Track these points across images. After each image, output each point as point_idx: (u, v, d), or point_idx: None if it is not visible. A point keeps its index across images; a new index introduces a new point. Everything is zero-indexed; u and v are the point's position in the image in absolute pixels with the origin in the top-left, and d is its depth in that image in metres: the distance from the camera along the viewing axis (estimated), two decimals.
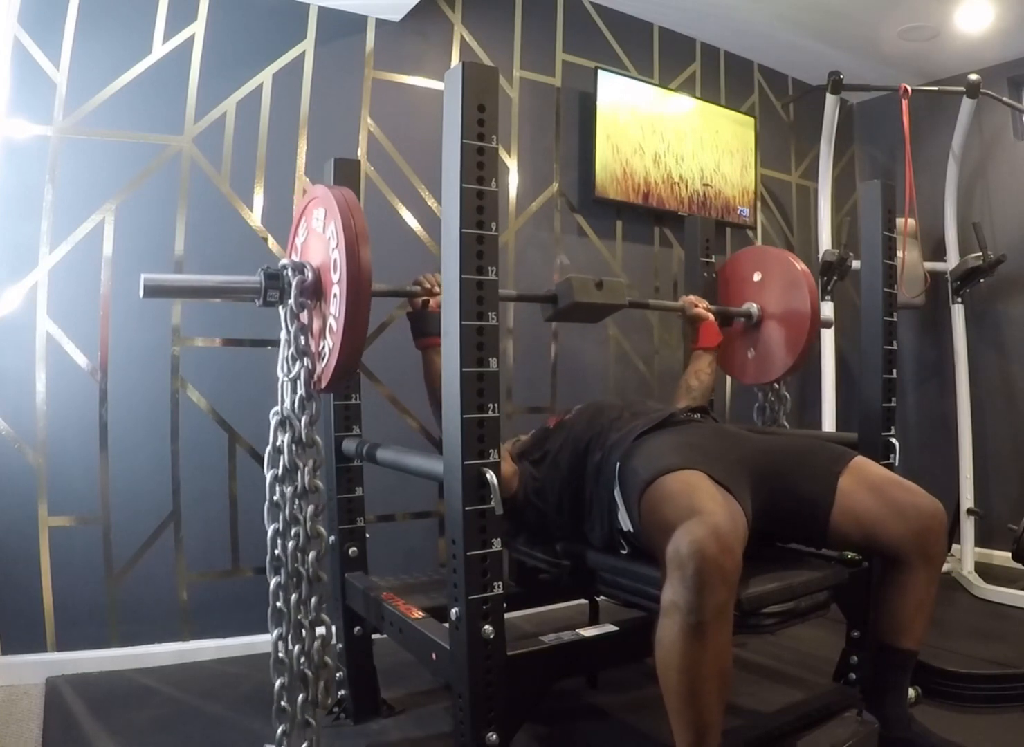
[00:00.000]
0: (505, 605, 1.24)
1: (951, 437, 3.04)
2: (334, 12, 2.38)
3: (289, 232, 1.62)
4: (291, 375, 1.43)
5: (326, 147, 2.30)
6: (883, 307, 1.79)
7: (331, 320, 1.37)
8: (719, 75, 3.25)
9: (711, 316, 2.09)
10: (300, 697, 1.41)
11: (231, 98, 2.25)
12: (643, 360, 2.97)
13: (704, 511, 1.22)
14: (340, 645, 1.76)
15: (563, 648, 1.34)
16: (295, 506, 1.42)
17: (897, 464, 1.75)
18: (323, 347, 1.41)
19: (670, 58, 3.08)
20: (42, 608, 2.00)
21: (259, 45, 2.30)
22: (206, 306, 2.19)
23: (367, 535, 1.81)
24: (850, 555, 1.63)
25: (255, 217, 2.28)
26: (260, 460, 2.06)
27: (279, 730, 1.41)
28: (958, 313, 3.04)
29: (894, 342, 1.80)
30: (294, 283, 1.41)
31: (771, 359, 2.16)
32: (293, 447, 1.42)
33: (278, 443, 1.43)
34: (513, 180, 2.70)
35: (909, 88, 2.82)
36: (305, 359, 1.43)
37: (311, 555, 1.43)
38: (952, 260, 3.08)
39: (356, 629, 1.76)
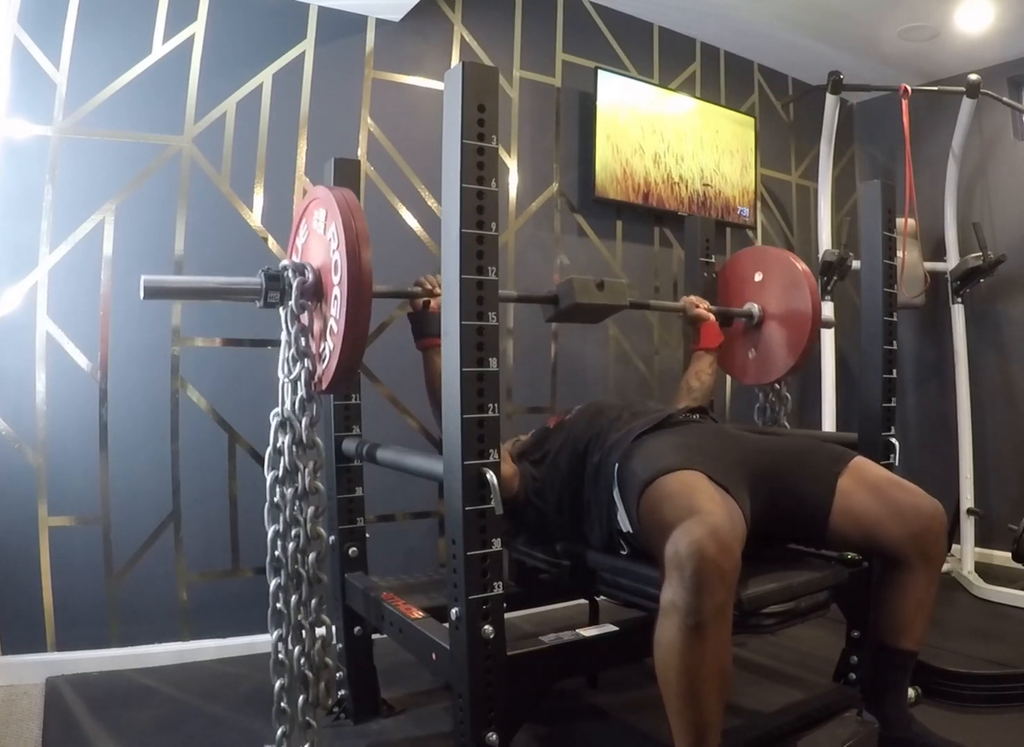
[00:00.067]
0: (505, 605, 1.24)
1: (951, 437, 3.03)
2: (334, 12, 2.38)
3: (289, 232, 1.62)
4: (292, 376, 1.43)
5: (326, 147, 2.30)
6: (883, 307, 1.79)
7: (332, 322, 1.37)
8: (719, 75, 3.25)
9: (712, 317, 2.09)
10: (300, 698, 1.41)
11: (231, 98, 2.25)
12: (643, 360, 2.97)
13: (703, 511, 1.22)
14: (340, 645, 1.76)
15: (563, 648, 1.34)
16: (295, 507, 1.42)
17: (897, 464, 1.75)
18: (324, 348, 1.41)
19: (670, 58, 3.08)
20: (42, 608, 2.00)
21: (259, 45, 2.30)
22: (206, 306, 2.19)
23: (367, 535, 1.81)
24: (850, 555, 1.63)
25: (255, 217, 2.28)
26: (260, 460, 2.06)
27: (279, 731, 1.41)
28: (958, 313, 3.04)
29: (894, 342, 1.80)
30: (295, 284, 1.40)
31: (772, 359, 2.16)
32: (294, 448, 1.42)
33: (279, 444, 1.42)
34: (513, 180, 2.70)
35: (909, 88, 2.82)
36: (306, 360, 1.43)
37: (311, 556, 1.43)
38: (952, 260, 3.08)
39: (356, 629, 1.76)
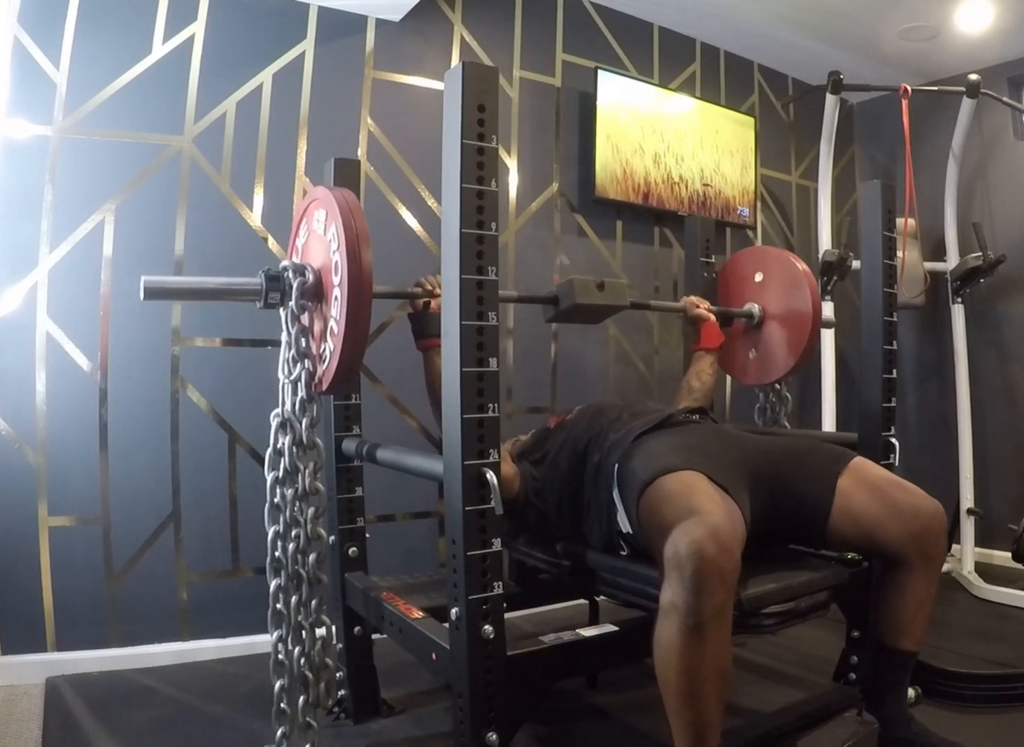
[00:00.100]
0: (505, 605, 1.24)
1: (951, 437, 3.03)
2: (334, 12, 2.38)
3: (289, 232, 1.62)
4: (292, 377, 1.43)
5: (326, 147, 2.30)
6: (883, 307, 1.79)
7: (332, 322, 1.37)
8: (719, 75, 3.25)
9: (713, 317, 2.09)
10: (301, 699, 1.41)
11: (231, 98, 2.25)
12: (643, 360, 2.97)
13: (702, 512, 1.22)
14: (340, 645, 1.76)
15: (563, 648, 1.34)
16: (296, 508, 1.42)
17: (897, 464, 1.75)
18: (324, 349, 1.41)
19: (670, 58, 3.08)
20: (42, 608, 2.00)
21: (259, 45, 2.30)
22: (206, 306, 2.19)
23: (367, 535, 1.81)
24: (850, 555, 1.63)
25: (255, 217, 2.28)
26: (260, 460, 2.06)
27: (279, 732, 1.41)
28: (958, 313, 3.04)
29: (894, 342, 1.80)
30: (295, 285, 1.40)
31: (772, 360, 2.16)
32: (294, 449, 1.42)
33: (279, 445, 1.42)
34: (513, 180, 2.70)
35: (909, 88, 2.82)
36: (306, 361, 1.43)
37: (311, 557, 1.43)
38: (952, 260, 3.08)
39: (356, 629, 1.76)
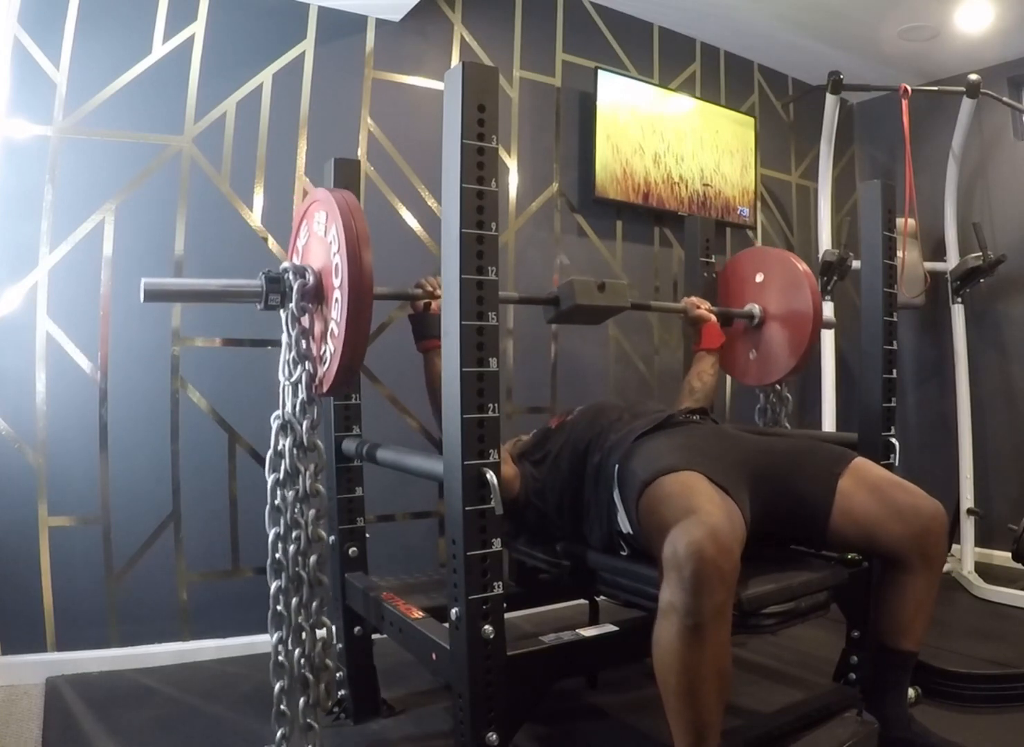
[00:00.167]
0: (505, 605, 1.24)
1: (951, 437, 3.03)
2: (334, 12, 2.38)
3: (289, 232, 1.62)
4: (292, 379, 1.43)
5: (326, 147, 2.30)
6: (883, 307, 1.79)
7: (332, 324, 1.37)
8: (719, 75, 3.25)
9: (713, 317, 2.09)
10: (301, 701, 1.41)
11: (231, 98, 2.25)
12: (643, 360, 2.97)
13: (702, 512, 1.22)
14: (340, 645, 1.76)
15: (563, 648, 1.34)
16: (296, 510, 1.42)
17: (897, 464, 1.75)
18: (324, 351, 1.41)
19: (670, 58, 3.08)
20: (42, 608, 2.00)
21: (259, 45, 2.30)
22: (206, 306, 2.18)
23: (367, 535, 1.81)
24: (850, 555, 1.63)
25: (255, 217, 2.28)
26: (260, 460, 2.06)
27: (279, 733, 1.41)
28: (958, 313, 3.04)
29: (894, 342, 1.80)
30: (295, 287, 1.40)
31: (773, 360, 2.16)
32: (294, 451, 1.42)
33: (279, 447, 1.42)
34: (513, 180, 2.69)
35: (909, 88, 2.82)
36: (306, 363, 1.43)
37: (312, 559, 1.43)
38: (952, 260, 3.07)
39: (356, 629, 1.76)
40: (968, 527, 2.90)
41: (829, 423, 3.01)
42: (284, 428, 1.43)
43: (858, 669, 1.69)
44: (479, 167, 1.19)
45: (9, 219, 2.01)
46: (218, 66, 2.23)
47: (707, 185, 3.09)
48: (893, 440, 1.76)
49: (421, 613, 1.47)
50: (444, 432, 1.24)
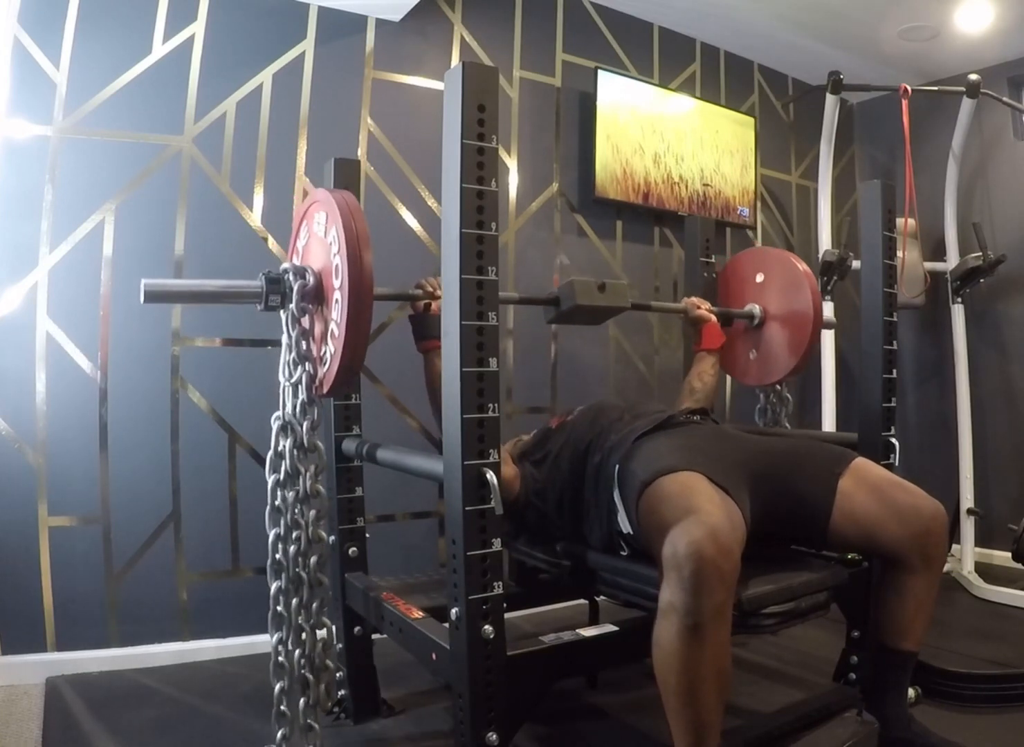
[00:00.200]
0: (505, 605, 1.24)
1: (951, 437, 3.03)
2: (334, 12, 2.38)
3: (289, 232, 1.62)
4: (292, 380, 1.43)
5: (326, 147, 2.29)
6: (883, 307, 1.79)
7: (333, 325, 1.37)
8: (719, 75, 3.25)
9: (714, 318, 2.09)
10: (301, 701, 1.41)
11: (231, 98, 2.25)
12: (643, 360, 2.97)
13: (701, 512, 1.22)
14: (340, 645, 1.76)
15: (563, 648, 1.34)
16: (297, 511, 1.42)
17: (897, 464, 1.75)
18: (325, 352, 1.41)
19: (670, 58, 3.08)
20: (42, 608, 2.00)
21: (259, 45, 2.30)
22: (206, 306, 2.18)
23: (367, 535, 1.81)
24: (850, 555, 1.63)
25: (255, 217, 2.28)
26: (260, 460, 2.06)
27: (279, 734, 1.41)
28: (958, 313, 3.04)
29: (894, 342, 1.80)
30: (295, 288, 1.40)
31: (773, 360, 2.16)
32: (295, 452, 1.42)
33: (280, 448, 1.42)
34: (513, 180, 2.69)
35: (909, 88, 2.82)
36: (307, 364, 1.43)
37: (312, 559, 1.43)
38: (952, 260, 3.07)
39: (356, 629, 1.76)
40: (968, 527, 2.90)
41: (829, 423, 3.01)
42: (284, 429, 1.43)
43: (858, 669, 1.69)
44: (479, 167, 1.19)
45: (9, 219, 2.01)
46: (218, 66, 2.23)
47: (707, 185, 3.09)
48: (893, 440, 1.76)
49: (421, 613, 1.47)
50: (444, 432, 1.24)
